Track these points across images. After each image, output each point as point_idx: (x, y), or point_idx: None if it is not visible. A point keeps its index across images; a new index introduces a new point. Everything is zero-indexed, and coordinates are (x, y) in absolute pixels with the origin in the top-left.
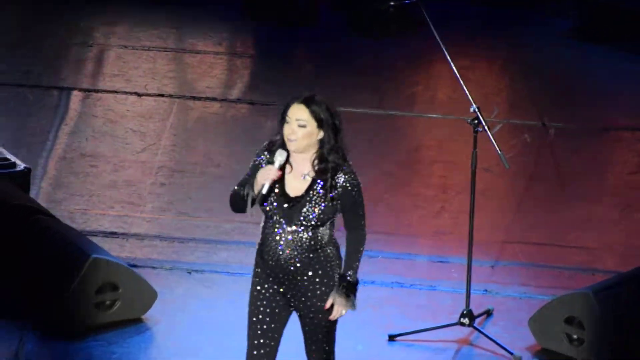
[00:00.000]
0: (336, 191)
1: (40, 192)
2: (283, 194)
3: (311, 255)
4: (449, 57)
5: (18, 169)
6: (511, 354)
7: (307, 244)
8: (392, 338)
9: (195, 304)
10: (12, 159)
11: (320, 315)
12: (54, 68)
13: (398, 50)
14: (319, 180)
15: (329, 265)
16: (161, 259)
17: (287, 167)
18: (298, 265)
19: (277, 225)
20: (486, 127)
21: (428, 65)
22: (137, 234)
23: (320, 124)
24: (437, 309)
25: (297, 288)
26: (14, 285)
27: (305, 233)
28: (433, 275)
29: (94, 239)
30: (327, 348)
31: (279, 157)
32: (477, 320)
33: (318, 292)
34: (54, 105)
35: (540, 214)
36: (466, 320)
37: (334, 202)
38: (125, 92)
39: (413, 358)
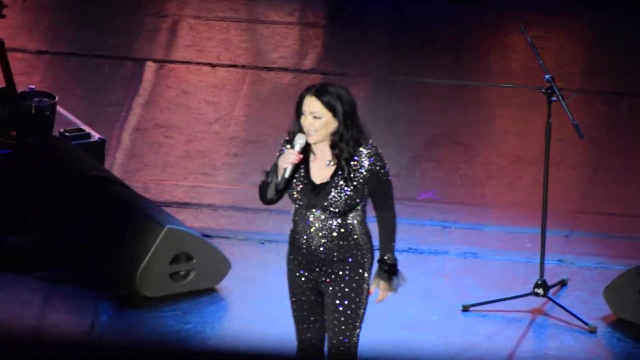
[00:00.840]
0: (361, 175)
1: (115, 163)
2: (309, 181)
3: (341, 242)
4: (522, 27)
5: (93, 140)
6: (586, 324)
7: (337, 231)
8: (466, 308)
9: (268, 274)
10: (87, 130)
11: (345, 302)
12: (129, 39)
13: (473, 19)
14: (340, 163)
15: (359, 253)
16: (235, 229)
17: (311, 156)
18: (328, 252)
19: (306, 213)
20: (560, 97)
21: (502, 35)
22: (210, 205)
23: (335, 113)
24: (511, 279)
25: (327, 275)
26: (91, 256)
27: (334, 220)
28: (507, 245)
29: (168, 210)
30: (349, 337)
31: (299, 140)
32: (552, 291)
33: (347, 278)
34: (128, 77)
35: (615, 184)
36: (540, 291)
37: (360, 186)
38: (199, 63)
39: (487, 328)
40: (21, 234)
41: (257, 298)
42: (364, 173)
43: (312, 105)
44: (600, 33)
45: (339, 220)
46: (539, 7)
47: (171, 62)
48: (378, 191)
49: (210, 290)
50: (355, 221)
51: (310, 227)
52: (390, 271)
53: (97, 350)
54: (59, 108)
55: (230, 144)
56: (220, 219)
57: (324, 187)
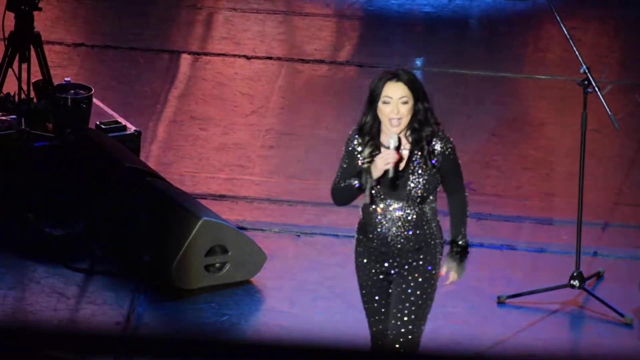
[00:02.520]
0: (435, 158)
1: (150, 155)
2: (385, 172)
3: (417, 231)
4: (558, 17)
5: (129, 132)
6: (622, 316)
7: (413, 220)
8: (501, 300)
9: (304, 266)
10: (123, 122)
11: (417, 292)
12: (164, 31)
13: (508, 10)
14: (416, 151)
15: (432, 241)
16: (270, 221)
17: (384, 148)
18: (404, 242)
19: (382, 204)
20: (596, 88)
21: (538, 26)
22: (246, 197)
23: (417, 97)
24: (546, 271)
25: (400, 265)
26: (127, 248)
27: (411, 209)
28: (542, 237)
29: (204, 202)
30: (416, 326)
31: (392, 140)
32: (587, 283)
33: (421, 268)
34: (164, 69)
35: None
36: (576, 283)
37: (435, 170)
38: (234, 55)
39: (522, 320)
40: (58, 225)
41: (292, 290)
42: (438, 157)
43: (399, 90)
44: (637, 24)
45: (416, 209)
46: None
47: (207, 54)
48: (450, 173)
49: (246, 283)
50: (429, 210)
51: (387, 217)
52: (462, 254)
53: (132, 342)
54: (95, 100)
55: (266, 136)
56: (256, 211)
57: (402, 176)
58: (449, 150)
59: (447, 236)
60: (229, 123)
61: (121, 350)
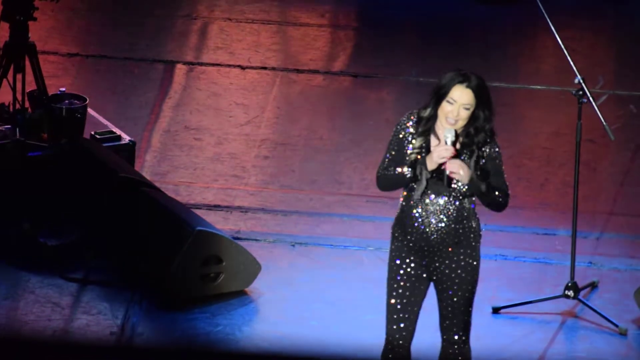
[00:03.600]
0: (482, 161)
1: (145, 165)
2: (439, 166)
3: (457, 226)
4: (553, 28)
5: (123, 142)
6: (617, 326)
7: (454, 214)
8: (496, 310)
9: (298, 276)
10: (118, 132)
11: (463, 287)
12: (159, 41)
13: (503, 20)
14: (465, 151)
15: (472, 236)
16: (265, 231)
17: (433, 140)
18: (444, 236)
19: (424, 196)
20: (591, 98)
21: (533, 36)
22: (240, 207)
23: (481, 104)
24: (541, 281)
25: (440, 260)
26: (121, 258)
27: (452, 204)
28: (537, 247)
29: (198, 212)
30: (465, 320)
31: (449, 135)
32: (582, 293)
33: (462, 262)
34: (159, 79)
35: None
36: (571, 293)
37: (482, 173)
38: (229, 65)
39: (517, 330)
40: (53, 235)
41: (287, 300)
42: (485, 159)
43: (466, 97)
44: (631, 34)
45: (457, 204)
46: (569, 8)
47: (201, 64)
48: (494, 178)
49: (240, 293)
50: (469, 205)
51: (428, 211)
52: (482, 173)
53: (126, 352)
54: (89, 110)
55: (261, 146)
56: (250, 221)
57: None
58: (495, 154)
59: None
60: (223, 133)
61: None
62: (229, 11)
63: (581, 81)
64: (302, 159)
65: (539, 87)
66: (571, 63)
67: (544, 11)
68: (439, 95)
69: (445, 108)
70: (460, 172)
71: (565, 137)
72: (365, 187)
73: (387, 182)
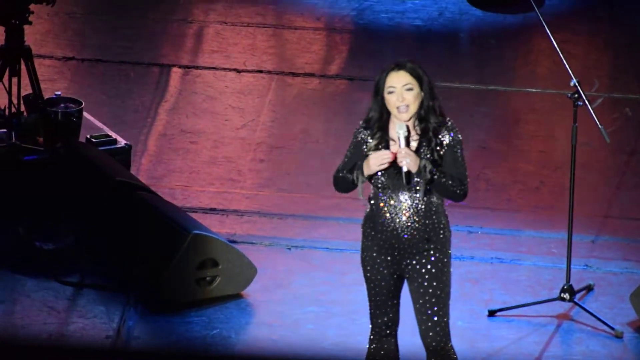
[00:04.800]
0: (443, 149)
1: (141, 169)
2: (393, 162)
3: (427, 222)
4: (548, 31)
5: (119, 145)
6: (613, 329)
7: (423, 210)
8: (492, 313)
9: (294, 279)
10: (114, 135)
11: (434, 283)
12: (154, 45)
13: (498, 23)
14: (424, 142)
15: (441, 232)
16: (260, 235)
17: (391, 141)
18: (413, 232)
19: (390, 195)
20: (586, 101)
21: (528, 39)
22: (236, 210)
23: (421, 84)
24: (537, 284)
25: (410, 256)
26: (117, 261)
27: (419, 199)
28: (533, 250)
29: (194, 215)
30: (443, 322)
31: (401, 131)
32: (578, 296)
33: (433, 258)
34: (155, 82)
35: None
36: (567, 296)
37: (441, 161)
38: (225, 69)
39: (513, 333)
40: (48, 239)
41: (283, 303)
42: (445, 147)
43: (402, 78)
44: (626, 37)
45: (425, 200)
46: (565, 11)
47: (197, 67)
48: (452, 166)
49: (237, 296)
50: (437, 201)
51: (396, 209)
52: (429, 163)
53: (122, 356)
54: (85, 114)
55: (257, 150)
56: (246, 224)
57: (411, 173)
58: (453, 142)
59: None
60: (219, 136)
61: None
62: (224, 15)
63: (577, 84)
64: (298, 163)
65: (534, 90)
66: (567, 66)
67: (539, 14)
68: (378, 89)
69: (390, 100)
70: (407, 160)
71: (561, 140)
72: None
73: (338, 183)
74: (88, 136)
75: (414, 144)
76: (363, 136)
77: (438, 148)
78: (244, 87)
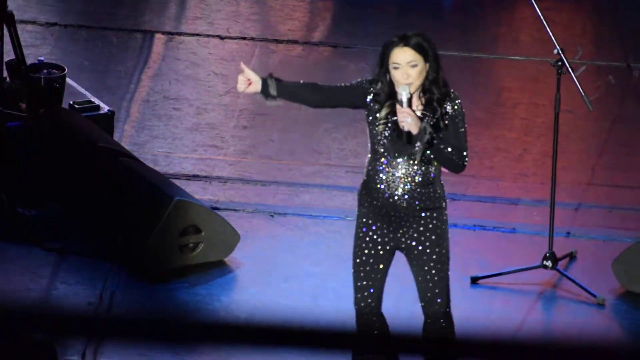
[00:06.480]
0: (445, 119)
1: (124, 135)
2: (395, 129)
3: (423, 190)
4: None
5: (102, 112)
6: (594, 296)
7: (419, 178)
8: (474, 281)
9: (277, 246)
10: (96, 102)
11: (436, 250)
12: (137, 11)
13: None
14: (428, 113)
15: (438, 202)
16: (243, 201)
17: (397, 105)
18: (410, 200)
19: (389, 162)
20: (570, 69)
21: (512, 7)
22: (219, 177)
23: (426, 58)
24: (519, 251)
25: (407, 225)
26: (100, 228)
27: (417, 168)
28: (515, 217)
29: (177, 182)
30: (444, 291)
31: (404, 92)
32: (560, 263)
33: (430, 225)
34: (137, 49)
35: (625, 156)
36: (549, 263)
37: (445, 130)
38: (208, 35)
39: (495, 301)
40: (31, 206)
41: (265, 270)
42: (447, 117)
43: (407, 55)
44: (610, 4)
45: (423, 169)
46: None
47: (180, 34)
48: (451, 135)
49: (219, 263)
50: (434, 171)
51: (393, 177)
52: (431, 126)
53: (104, 322)
54: (68, 80)
55: (240, 117)
56: (229, 191)
57: (412, 134)
58: (455, 112)
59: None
60: (202, 103)
61: (93, 330)
62: None
63: (560, 52)
64: (281, 129)
65: (517, 57)
66: (550, 34)
67: None
68: (383, 64)
69: (395, 75)
70: (408, 119)
71: (544, 108)
72: (344, 158)
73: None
74: (71, 102)
75: (418, 113)
76: (365, 88)
77: (442, 119)
78: (228, 54)
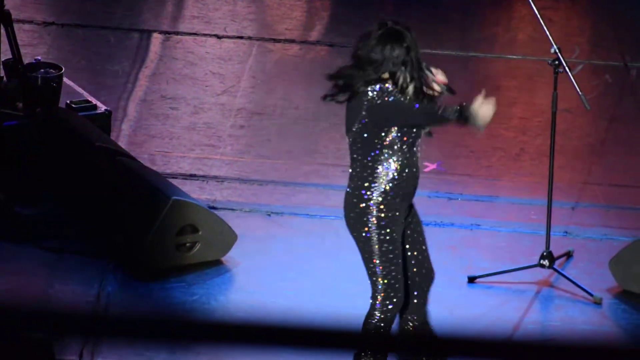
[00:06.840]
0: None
1: (121, 135)
2: (431, 99)
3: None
4: None
5: (99, 111)
6: (591, 295)
7: (420, 154)
8: (471, 280)
9: (274, 246)
10: (94, 101)
11: (420, 228)
12: (135, 10)
13: None
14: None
15: None
16: (240, 201)
17: (427, 74)
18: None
19: (416, 147)
20: (567, 68)
21: (509, 6)
22: (216, 176)
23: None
24: (516, 250)
25: (410, 207)
26: (97, 227)
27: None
28: (512, 217)
29: (174, 181)
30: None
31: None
32: (557, 262)
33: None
34: (135, 48)
35: (622, 155)
36: (546, 262)
37: None
38: (205, 35)
39: (492, 300)
40: (29, 204)
41: (263, 270)
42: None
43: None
44: (607, 4)
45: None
46: None
47: (177, 33)
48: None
49: (216, 262)
50: None
51: (418, 160)
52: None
53: (101, 321)
54: (65, 79)
55: (237, 116)
56: (226, 190)
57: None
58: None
59: None
60: (199, 102)
61: (91, 329)
62: None
63: (557, 51)
64: (278, 129)
65: (515, 56)
66: (547, 32)
67: None
68: (409, 49)
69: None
70: (439, 76)
71: (541, 107)
72: (341, 157)
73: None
74: (68, 102)
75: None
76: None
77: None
78: (225, 53)
